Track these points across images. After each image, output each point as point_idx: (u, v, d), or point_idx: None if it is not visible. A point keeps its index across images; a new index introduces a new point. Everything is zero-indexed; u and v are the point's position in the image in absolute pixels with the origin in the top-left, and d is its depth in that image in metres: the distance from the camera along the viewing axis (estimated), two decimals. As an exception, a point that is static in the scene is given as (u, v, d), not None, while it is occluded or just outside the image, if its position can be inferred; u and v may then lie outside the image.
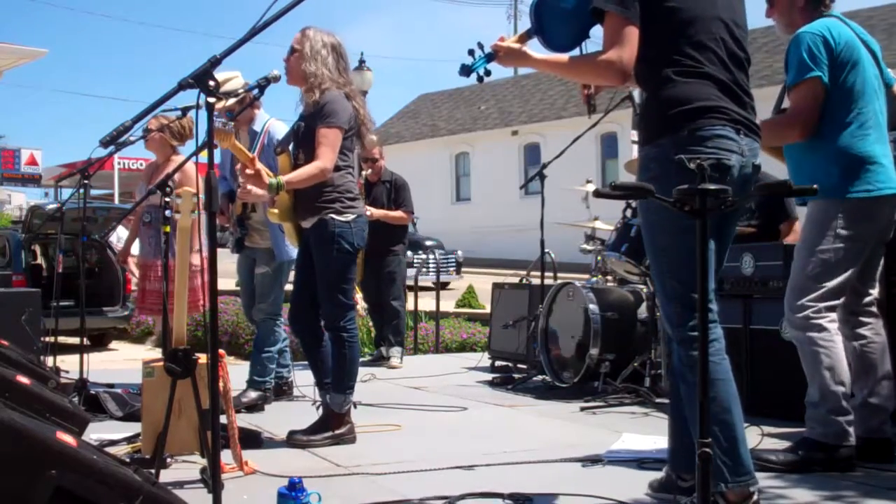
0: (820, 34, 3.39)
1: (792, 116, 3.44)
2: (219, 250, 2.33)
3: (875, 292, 3.61)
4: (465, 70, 2.76)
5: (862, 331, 3.54)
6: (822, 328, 3.37)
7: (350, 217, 3.97)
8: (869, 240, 3.46)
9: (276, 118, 5.02)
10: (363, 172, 7.18)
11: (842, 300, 3.48)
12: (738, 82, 2.67)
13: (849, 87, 3.41)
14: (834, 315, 3.43)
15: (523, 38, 2.84)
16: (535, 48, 2.84)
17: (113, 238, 10.63)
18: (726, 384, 2.55)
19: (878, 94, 3.51)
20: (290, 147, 4.11)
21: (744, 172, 2.64)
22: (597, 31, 2.75)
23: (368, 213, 6.72)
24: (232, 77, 4.77)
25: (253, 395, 4.91)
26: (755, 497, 2.56)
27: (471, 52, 2.75)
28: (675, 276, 2.64)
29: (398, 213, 7.01)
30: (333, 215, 3.93)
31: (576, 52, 2.82)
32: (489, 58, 2.76)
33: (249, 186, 3.87)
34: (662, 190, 2.23)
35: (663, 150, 2.60)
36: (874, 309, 3.59)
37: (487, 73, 2.78)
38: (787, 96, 3.49)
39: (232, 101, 4.43)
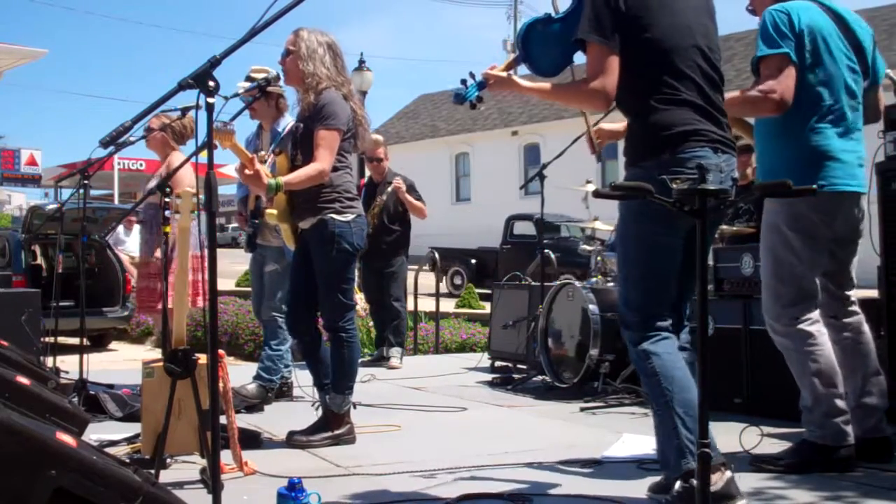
0: (785, 11, 3.32)
1: (762, 89, 3.28)
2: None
3: (852, 292, 3.57)
4: (459, 98, 2.96)
5: (846, 333, 3.50)
6: (805, 333, 3.34)
7: (350, 217, 3.97)
8: (825, 235, 3.37)
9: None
10: (367, 174, 7.20)
11: (819, 298, 3.42)
12: (714, 104, 2.84)
13: (807, 73, 3.31)
14: (815, 315, 3.37)
15: (512, 65, 3.03)
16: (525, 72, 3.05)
17: (111, 238, 10.64)
18: (682, 371, 2.73)
19: (848, 87, 3.39)
20: (289, 148, 4.12)
21: (723, 187, 2.76)
22: (580, 56, 2.94)
23: (398, 183, 6.72)
24: (267, 71, 4.79)
25: (253, 389, 4.91)
26: (726, 471, 2.64)
27: (463, 82, 2.96)
28: (639, 287, 2.84)
29: (418, 204, 6.99)
30: (333, 215, 3.93)
31: (563, 76, 3.03)
32: (480, 86, 2.96)
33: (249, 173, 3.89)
34: (646, 208, 2.57)
35: (647, 172, 2.74)
36: (855, 308, 3.54)
37: (480, 99, 2.98)
38: (756, 72, 3.37)
39: (236, 93, 4.46)
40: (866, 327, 3.55)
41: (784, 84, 3.28)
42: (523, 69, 3.17)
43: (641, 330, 2.81)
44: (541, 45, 2.98)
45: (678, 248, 2.80)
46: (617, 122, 3.37)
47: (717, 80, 2.87)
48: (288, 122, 5.06)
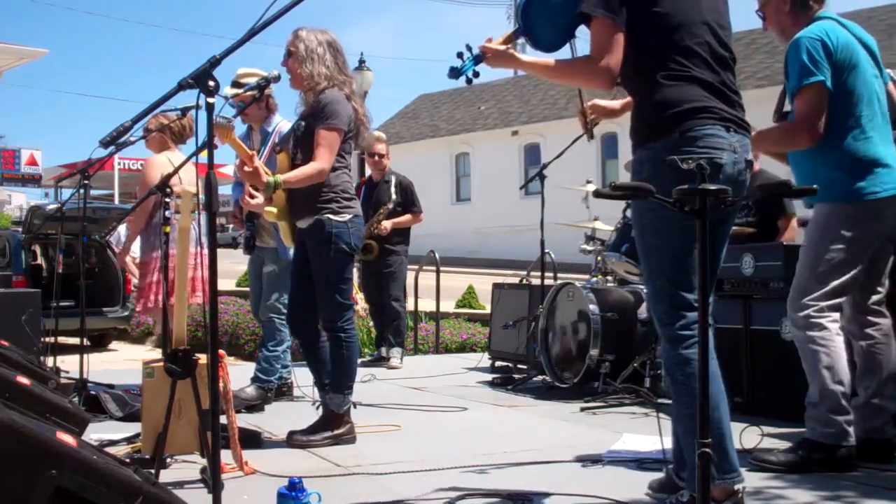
0: (818, 38, 3.37)
1: (799, 123, 3.40)
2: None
3: (884, 290, 3.60)
4: (454, 72, 2.79)
5: (870, 331, 3.54)
6: (822, 327, 3.37)
7: (347, 217, 3.97)
8: (874, 240, 3.46)
9: (287, 120, 5.03)
10: (367, 172, 7.18)
11: (844, 299, 3.47)
12: (725, 82, 2.71)
13: (849, 91, 3.40)
14: (836, 315, 3.42)
15: (511, 39, 2.86)
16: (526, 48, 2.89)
17: (113, 238, 10.64)
18: (714, 381, 2.54)
19: (879, 95, 3.50)
20: (290, 146, 4.12)
21: (737, 168, 2.67)
22: (583, 30, 2.78)
23: (384, 227, 6.74)
24: (256, 73, 4.80)
25: (252, 391, 4.92)
26: (740, 494, 2.57)
27: (459, 55, 2.79)
28: (665, 276, 2.67)
29: (406, 218, 7.00)
30: (330, 215, 3.93)
31: (563, 53, 2.86)
32: (477, 60, 2.79)
33: (254, 202, 3.91)
34: (661, 192, 2.30)
35: (655, 153, 2.63)
36: (882, 308, 3.58)
37: (476, 74, 2.81)
38: (792, 101, 3.44)
39: (236, 91, 4.46)
40: (892, 333, 3.57)
41: (819, 117, 3.35)
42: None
43: (673, 322, 2.64)
44: (542, 17, 2.81)
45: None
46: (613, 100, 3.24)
47: (727, 58, 2.74)
48: (278, 121, 5.06)
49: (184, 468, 3.40)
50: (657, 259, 2.70)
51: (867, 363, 3.52)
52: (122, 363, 9.19)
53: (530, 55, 2.88)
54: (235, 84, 4.75)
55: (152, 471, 2.94)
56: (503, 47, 2.80)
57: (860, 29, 3.57)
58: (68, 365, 5.72)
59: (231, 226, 5.36)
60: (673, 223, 2.58)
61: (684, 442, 2.69)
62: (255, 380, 4.99)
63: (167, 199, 3.76)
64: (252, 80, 4.60)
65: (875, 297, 3.57)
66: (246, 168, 3.83)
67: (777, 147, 3.64)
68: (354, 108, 4.03)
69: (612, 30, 2.62)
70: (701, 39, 2.68)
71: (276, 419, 4.53)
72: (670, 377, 2.70)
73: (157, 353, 7.51)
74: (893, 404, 3.51)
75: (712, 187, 2.05)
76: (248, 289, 7.16)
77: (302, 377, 5.15)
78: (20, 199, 41.57)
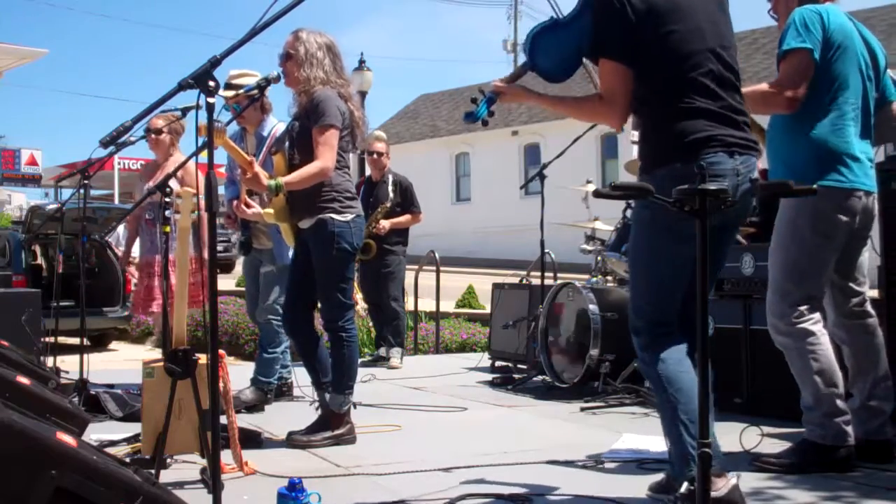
0: (816, 12, 3.37)
1: (779, 86, 3.34)
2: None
3: (865, 290, 3.57)
4: (471, 118, 2.99)
5: (857, 334, 3.52)
6: (807, 332, 3.34)
7: (349, 217, 3.97)
8: (841, 232, 3.40)
9: (283, 123, 5.01)
10: (367, 171, 7.18)
11: (823, 299, 3.45)
12: (731, 106, 2.78)
13: (833, 72, 3.37)
14: (817, 315, 3.39)
15: (519, 74, 3.02)
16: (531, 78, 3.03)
17: (112, 238, 10.63)
18: (688, 375, 2.69)
19: (869, 97, 3.48)
20: (286, 147, 4.11)
21: (740, 190, 2.74)
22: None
23: (382, 226, 6.75)
24: (249, 74, 4.79)
25: (251, 394, 4.91)
26: (732, 478, 2.60)
27: (473, 100, 2.98)
28: (645, 297, 2.83)
29: (405, 218, 7.00)
30: (333, 215, 3.93)
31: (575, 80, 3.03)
32: (490, 101, 2.98)
33: (251, 211, 3.91)
34: (657, 218, 2.65)
35: (658, 180, 2.69)
36: (867, 308, 3.55)
37: (491, 114, 3.02)
38: (778, 67, 3.42)
39: (236, 92, 4.45)
40: (880, 331, 3.56)
41: (800, 83, 3.33)
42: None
43: (648, 336, 2.80)
44: (548, 53, 2.95)
45: (690, 259, 2.71)
46: None
47: (731, 79, 2.81)
48: (273, 123, 5.04)
49: (184, 468, 3.40)
50: (644, 279, 2.85)
51: (858, 366, 3.50)
52: (122, 363, 9.18)
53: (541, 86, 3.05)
54: (229, 86, 4.72)
55: (152, 471, 2.94)
56: (515, 85, 2.97)
57: (872, 36, 3.55)
58: (68, 365, 5.72)
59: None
60: (668, 250, 2.73)
61: (668, 437, 2.75)
62: (254, 382, 4.98)
63: (167, 199, 3.76)
64: (246, 81, 4.60)
65: (856, 299, 3.54)
66: (247, 175, 3.83)
67: (753, 107, 3.55)
68: (350, 108, 4.03)
69: (617, 70, 2.75)
70: (705, 69, 2.75)
71: (276, 419, 4.53)
72: (648, 379, 2.87)
73: (157, 353, 7.51)
74: (888, 404, 3.50)
75: (712, 187, 2.06)
76: (248, 289, 7.16)
77: (302, 377, 5.14)
78: (20, 199, 41.54)
